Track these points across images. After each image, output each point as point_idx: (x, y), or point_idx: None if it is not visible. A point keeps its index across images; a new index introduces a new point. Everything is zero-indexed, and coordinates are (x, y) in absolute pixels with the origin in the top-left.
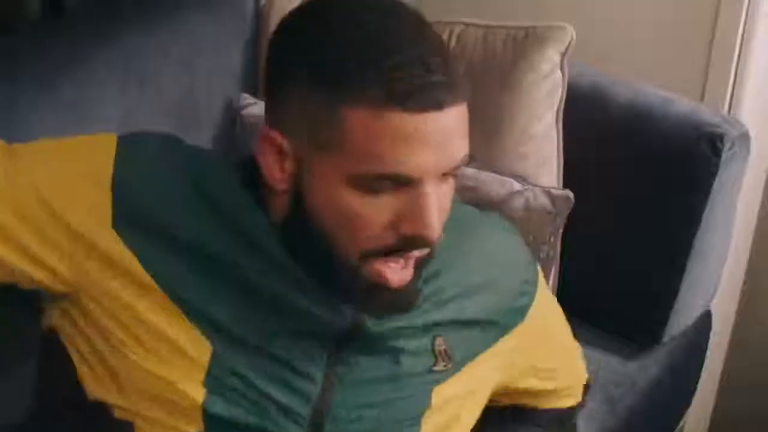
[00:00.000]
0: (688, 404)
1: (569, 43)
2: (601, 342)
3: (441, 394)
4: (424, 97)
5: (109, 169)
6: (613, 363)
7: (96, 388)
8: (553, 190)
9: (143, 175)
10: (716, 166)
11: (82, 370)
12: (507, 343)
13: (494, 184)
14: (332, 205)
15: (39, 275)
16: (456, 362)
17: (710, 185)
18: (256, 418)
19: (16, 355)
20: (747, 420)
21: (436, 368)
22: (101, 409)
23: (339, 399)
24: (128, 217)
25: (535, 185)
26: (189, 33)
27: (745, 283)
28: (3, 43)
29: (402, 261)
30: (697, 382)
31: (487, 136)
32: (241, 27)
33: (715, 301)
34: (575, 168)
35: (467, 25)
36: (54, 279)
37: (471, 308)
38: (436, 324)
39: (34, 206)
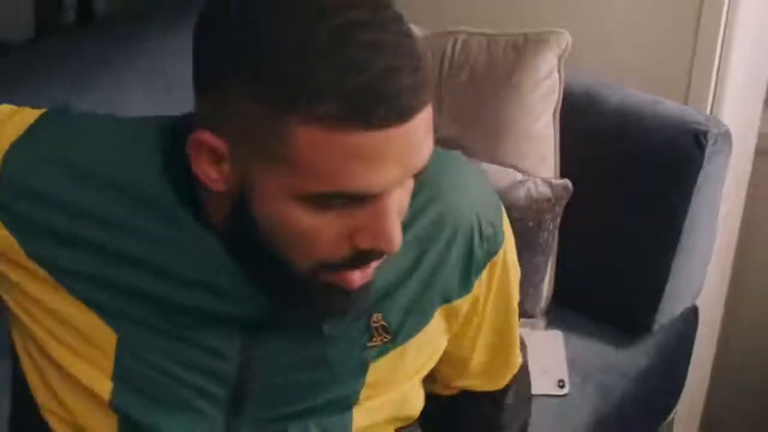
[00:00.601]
0: (678, 394)
1: (566, 47)
2: (594, 331)
3: (378, 368)
4: (389, 109)
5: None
6: (605, 351)
7: (32, 380)
8: (553, 180)
9: (38, 154)
10: (701, 161)
11: (23, 365)
12: (456, 308)
13: (497, 174)
14: (279, 219)
15: None
16: (396, 336)
17: (696, 179)
18: (171, 406)
19: None
20: (736, 415)
21: (371, 344)
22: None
23: (259, 380)
24: (18, 211)
25: (536, 176)
26: None
27: (731, 281)
28: (41, 47)
29: (363, 270)
30: (686, 372)
31: (489, 136)
32: None
33: (703, 298)
34: (571, 165)
35: (470, 34)
36: None
37: (413, 275)
38: (375, 295)
39: None
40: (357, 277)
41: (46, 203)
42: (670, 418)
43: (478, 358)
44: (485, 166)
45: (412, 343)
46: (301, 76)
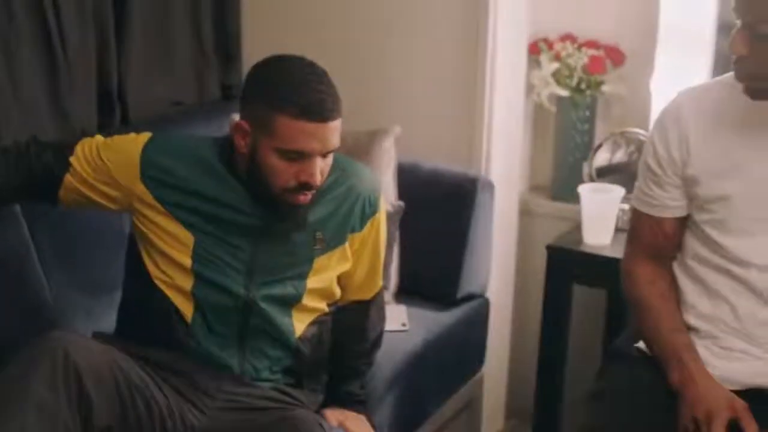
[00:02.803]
0: (482, 355)
1: (398, 134)
2: (421, 302)
3: (319, 261)
4: (319, 114)
5: (139, 150)
6: (427, 314)
7: (147, 263)
8: (395, 202)
9: (159, 150)
10: (474, 199)
11: (142, 253)
12: (354, 240)
13: None
14: (268, 163)
15: (107, 203)
16: (328, 245)
17: (473, 208)
18: (219, 273)
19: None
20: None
21: (315, 247)
22: (149, 276)
23: (260, 260)
24: (148, 173)
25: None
26: None
27: (515, 280)
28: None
29: (306, 194)
30: (485, 339)
31: None
32: None
33: (496, 293)
34: (404, 199)
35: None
36: (116, 204)
37: (337, 214)
38: (317, 221)
39: (106, 172)
40: (301, 198)
41: (163, 170)
42: (479, 375)
43: (359, 273)
44: None
45: (336, 252)
46: (284, 96)
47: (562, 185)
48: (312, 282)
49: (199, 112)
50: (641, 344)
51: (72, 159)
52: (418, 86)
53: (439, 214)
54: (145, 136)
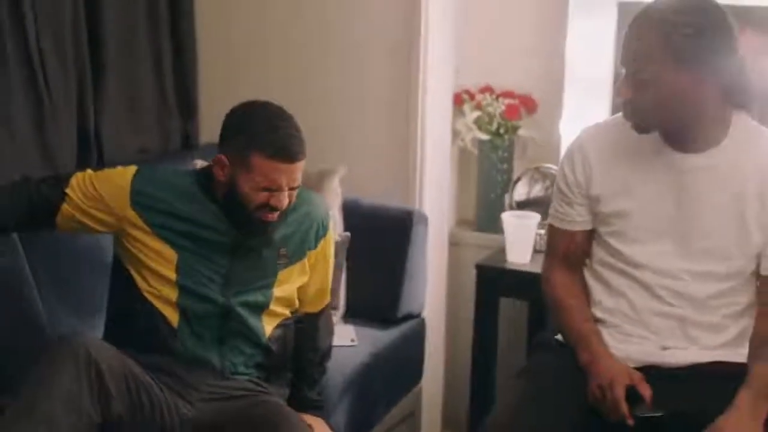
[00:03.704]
0: (420, 369)
1: (343, 174)
2: (366, 322)
3: (283, 274)
4: (288, 155)
5: (129, 181)
6: (372, 332)
7: (136, 279)
8: (341, 232)
9: (146, 180)
10: (410, 229)
11: (131, 271)
12: (310, 257)
13: None
14: (244, 192)
15: (99, 227)
16: (290, 260)
17: (408, 242)
18: (200, 285)
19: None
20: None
21: (279, 262)
22: (138, 291)
23: (235, 272)
24: (137, 201)
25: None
26: None
27: (447, 302)
28: None
29: (274, 214)
30: (422, 355)
31: None
32: None
33: (431, 314)
34: (350, 230)
35: None
36: (107, 228)
37: (297, 234)
38: (281, 239)
39: (99, 200)
40: (269, 216)
41: (149, 197)
42: (418, 387)
43: (312, 287)
44: None
45: (296, 266)
46: (259, 138)
47: (486, 217)
48: (277, 291)
49: (164, 159)
50: (559, 336)
51: (68, 190)
52: (359, 132)
53: (380, 243)
54: (132, 169)
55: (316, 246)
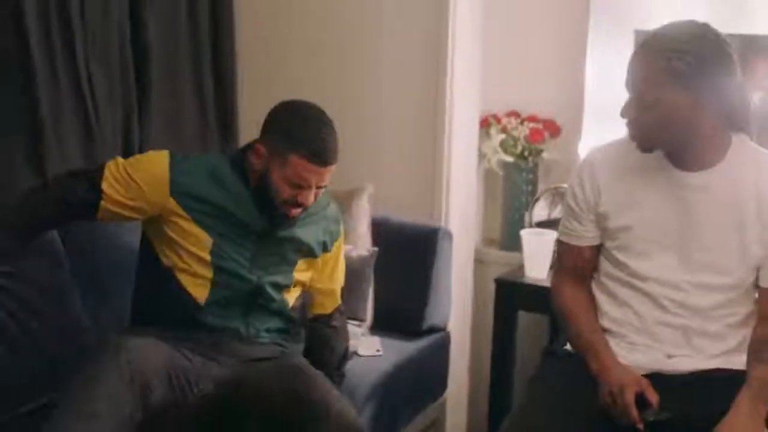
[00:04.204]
0: (444, 382)
1: (371, 192)
2: (391, 333)
3: (299, 264)
4: (324, 160)
5: (166, 169)
6: (397, 343)
7: (165, 259)
8: (370, 248)
9: (183, 170)
10: (435, 245)
11: (157, 248)
12: (324, 257)
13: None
14: (275, 185)
15: (139, 216)
16: (308, 253)
17: (433, 258)
18: (231, 265)
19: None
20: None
21: (299, 250)
22: (165, 270)
23: (259, 257)
24: (176, 190)
25: (361, 247)
26: None
27: (473, 317)
28: None
29: (298, 209)
30: (447, 367)
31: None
32: None
33: (455, 327)
34: (378, 245)
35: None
36: (146, 215)
37: (315, 233)
38: (302, 234)
39: (137, 189)
40: (294, 212)
41: (188, 186)
42: (443, 398)
43: (322, 285)
44: None
45: (311, 261)
46: (299, 139)
47: (510, 236)
48: (297, 275)
49: None
50: (568, 346)
51: (104, 186)
52: (389, 152)
53: (407, 259)
54: (165, 154)
55: (331, 248)
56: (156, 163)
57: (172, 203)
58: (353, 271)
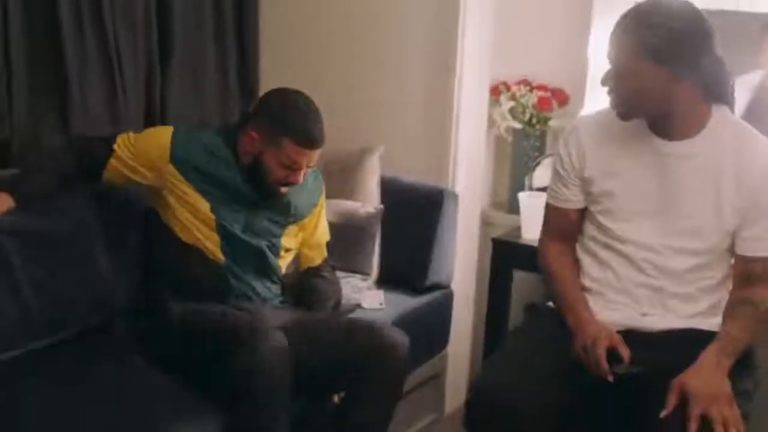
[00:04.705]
0: (446, 336)
1: (382, 152)
2: (395, 289)
3: (289, 228)
4: (314, 143)
5: (169, 140)
6: (400, 297)
7: (173, 227)
8: (377, 205)
9: (182, 143)
10: (441, 205)
11: (167, 219)
12: (311, 217)
13: (351, 204)
14: (268, 166)
15: (142, 180)
16: (298, 217)
17: (438, 218)
18: (228, 223)
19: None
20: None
21: (289, 218)
22: (175, 236)
23: (252, 220)
24: (176, 158)
25: (368, 204)
26: None
27: (478, 276)
28: None
29: (287, 187)
30: (450, 322)
31: (355, 187)
32: None
33: (458, 285)
34: (386, 203)
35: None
36: (148, 180)
37: (302, 199)
38: (290, 201)
39: (144, 155)
40: (284, 189)
41: (186, 154)
42: (444, 353)
43: (310, 240)
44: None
45: (300, 224)
46: (291, 126)
47: (516, 200)
48: (285, 240)
49: None
50: (550, 303)
51: (115, 147)
52: (400, 116)
53: (412, 217)
54: (169, 129)
55: (315, 208)
56: (160, 134)
57: (171, 168)
58: (360, 227)
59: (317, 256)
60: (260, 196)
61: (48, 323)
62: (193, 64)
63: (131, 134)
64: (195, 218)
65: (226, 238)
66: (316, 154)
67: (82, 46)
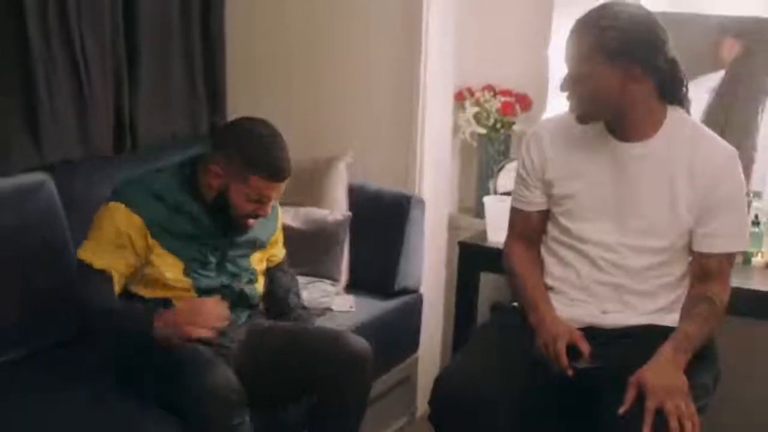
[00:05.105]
0: (416, 339)
1: (349, 160)
2: (365, 293)
3: (256, 254)
4: (279, 176)
5: (141, 220)
6: (370, 301)
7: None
8: (345, 212)
9: (148, 211)
10: (408, 211)
11: (136, 290)
12: (272, 242)
13: (318, 212)
14: (235, 201)
15: (128, 269)
16: (261, 245)
17: (405, 223)
18: (204, 280)
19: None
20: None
21: (255, 248)
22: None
23: (222, 264)
24: (153, 232)
25: (335, 211)
26: None
27: (446, 280)
28: None
29: (255, 220)
30: (419, 324)
31: (320, 196)
32: None
33: (428, 289)
34: (353, 210)
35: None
36: (133, 266)
37: (264, 227)
38: (255, 234)
39: (130, 248)
40: (251, 222)
41: (156, 224)
42: (415, 356)
43: (277, 244)
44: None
45: (264, 250)
46: (257, 162)
47: (482, 205)
48: (255, 263)
49: (194, 144)
50: (515, 303)
51: (99, 266)
52: (367, 124)
53: (380, 224)
54: (121, 207)
55: (277, 226)
56: (124, 220)
57: (153, 242)
58: (329, 234)
59: (279, 252)
60: (225, 233)
61: (23, 333)
62: (160, 76)
63: (89, 244)
64: (165, 288)
65: (202, 292)
66: (283, 186)
67: (49, 53)
